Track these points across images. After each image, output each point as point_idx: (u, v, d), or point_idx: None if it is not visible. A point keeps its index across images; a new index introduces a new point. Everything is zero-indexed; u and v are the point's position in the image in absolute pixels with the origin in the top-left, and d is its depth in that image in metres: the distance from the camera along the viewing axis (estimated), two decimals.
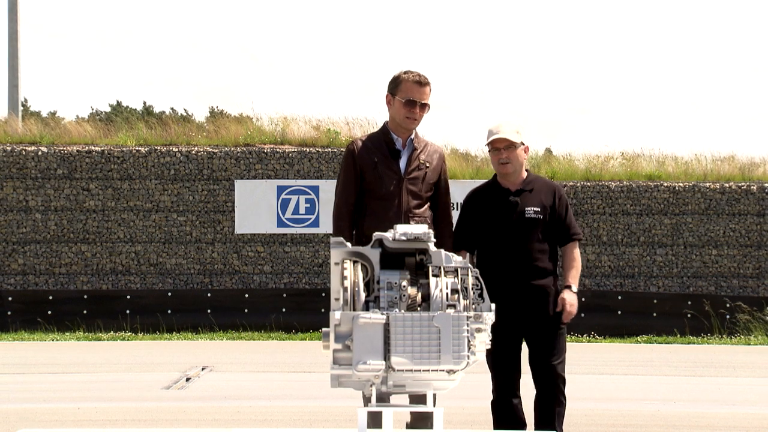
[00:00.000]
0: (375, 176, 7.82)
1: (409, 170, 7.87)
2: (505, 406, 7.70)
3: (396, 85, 7.87)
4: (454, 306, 5.39)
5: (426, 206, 7.93)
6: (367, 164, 7.84)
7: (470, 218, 7.92)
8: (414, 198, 7.84)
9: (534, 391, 7.85)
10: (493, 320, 5.54)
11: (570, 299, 7.70)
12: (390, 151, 7.88)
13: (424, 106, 7.86)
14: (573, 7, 75.17)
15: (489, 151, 7.91)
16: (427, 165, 7.92)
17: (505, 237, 7.75)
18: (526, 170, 8.01)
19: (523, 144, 7.88)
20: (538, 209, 7.81)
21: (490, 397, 7.81)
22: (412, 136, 7.95)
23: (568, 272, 7.85)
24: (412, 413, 7.49)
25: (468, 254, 7.80)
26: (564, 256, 7.95)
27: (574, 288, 7.77)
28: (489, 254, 7.79)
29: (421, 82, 7.83)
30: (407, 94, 7.82)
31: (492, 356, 7.56)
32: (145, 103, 42.32)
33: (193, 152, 22.87)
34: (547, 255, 7.80)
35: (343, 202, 7.86)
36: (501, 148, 7.79)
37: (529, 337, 7.76)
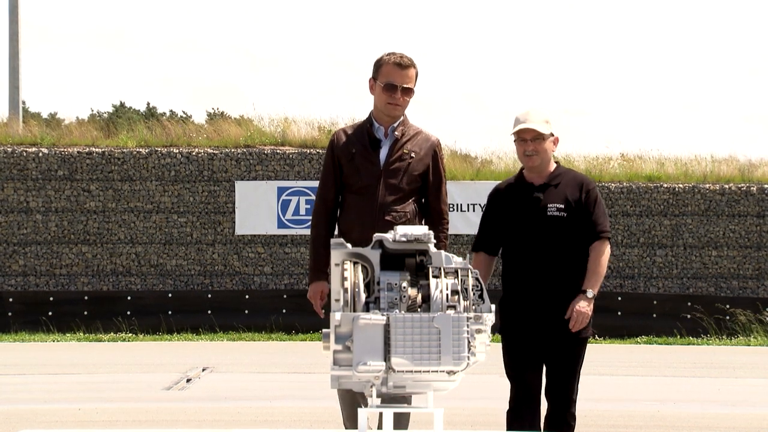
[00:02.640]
0: (352, 169, 7.19)
1: (389, 161, 7.17)
2: (521, 420, 7.09)
3: (377, 68, 7.19)
4: (454, 307, 5.39)
5: (409, 201, 7.20)
6: (345, 156, 7.21)
7: (493, 216, 7.21)
8: (393, 192, 7.14)
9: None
10: (493, 321, 5.52)
11: (581, 306, 6.93)
12: (370, 141, 7.21)
13: (407, 91, 7.16)
14: (572, 7, 75.16)
15: (515, 141, 7.16)
16: (413, 155, 7.19)
17: (526, 237, 7.06)
18: (556, 163, 7.28)
19: (553, 135, 7.17)
20: (562, 206, 7.06)
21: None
22: (396, 124, 7.24)
23: (588, 275, 7.03)
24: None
25: (484, 257, 7.17)
26: (589, 257, 7.11)
27: (590, 294, 6.98)
28: (511, 257, 7.15)
29: (403, 65, 7.13)
30: (387, 77, 7.14)
31: (511, 368, 7.10)
32: (148, 104, 42.36)
33: (194, 153, 22.89)
34: (572, 258, 7.05)
35: (321, 198, 7.30)
36: (528, 139, 7.09)
37: (546, 351, 7.09)
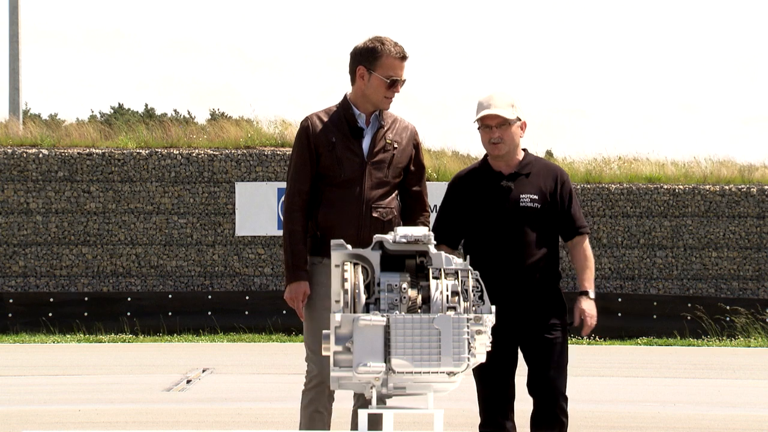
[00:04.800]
0: (332, 159, 6.63)
1: (373, 152, 6.67)
2: (495, 425, 6.67)
3: (375, 58, 6.62)
4: (454, 308, 5.39)
5: (393, 195, 6.74)
6: (324, 145, 6.64)
7: (455, 207, 6.75)
8: (379, 186, 6.67)
9: (530, 406, 6.81)
10: (494, 322, 5.50)
11: (589, 309, 6.61)
12: (351, 130, 6.67)
13: (403, 83, 6.71)
14: (571, 9, 75.20)
15: (479, 128, 6.70)
16: (395, 146, 6.71)
17: (496, 229, 6.62)
18: (524, 150, 6.79)
19: (520, 120, 6.68)
20: (536, 197, 6.62)
21: None
22: (377, 112, 6.74)
23: (581, 274, 6.67)
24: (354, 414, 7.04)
25: (445, 251, 6.45)
26: (573, 254, 6.77)
27: (592, 293, 6.66)
28: (476, 250, 6.66)
29: (405, 57, 6.68)
30: (390, 71, 6.64)
31: (479, 368, 6.22)
32: (146, 105, 42.38)
33: (194, 155, 22.90)
34: (545, 251, 6.64)
35: (296, 191, 6.66)
36: (492, 125, 6.63)
37: (524, 347, 6.68)
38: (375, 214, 6.66)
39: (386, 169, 6.69)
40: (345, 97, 6.78)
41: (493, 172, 6.72)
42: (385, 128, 6.73)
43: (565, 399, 6.70)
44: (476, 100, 6.79)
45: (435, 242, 6.74)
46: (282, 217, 6.76)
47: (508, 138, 6.64)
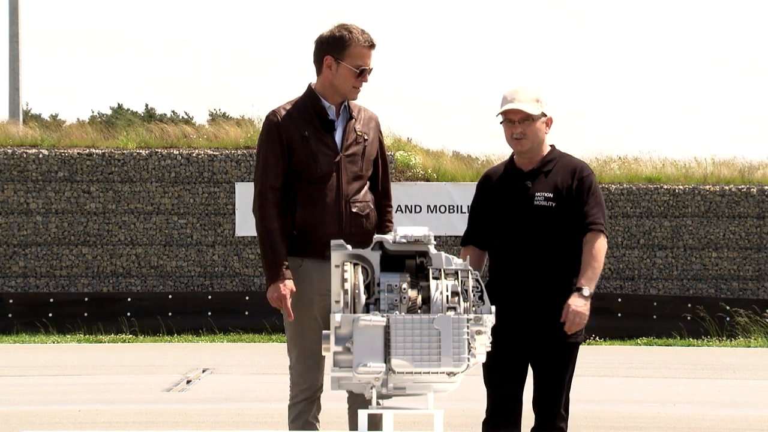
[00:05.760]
0: (307, 154, 6.35)
1: (346, 145, 6.42)
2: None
3: (343, 47, 6.33)
4: (454, 308, 5.39)
5: (366, 188, 6.49)
6: (296, 139, 6.36)
7: (481, 205, 6.55)
8: (355, 180, 6.43)
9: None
10: (494, 323, 5.49)
11: (576, 306, 6.28)
12: (322, 123, 6.40)
13: (370, 72, 6.44)
14: (571, 9, 75.24)
15: (501, 122, 6.46)
16: (365, 137, 6.45)
17: (512, 229, 6.41)
18: (551, 146, 6.55)
19: (545, 116, 6.45)
20: (551, 195, 6.37)
21: None
22: (345, 102, 6.46)
23: (581, 271, 6.34)
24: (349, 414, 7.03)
25: (473, 252, 6.52)
26: (583, 250, 6.39)
27: (586, 291, 6.33)
28: (496, 250, 6.51)
29: (373, 45, 6.39)
30: (359, 60, 6.36)
31: (491, 373, 6.46)
32: (146, 105, 42.39)
33: (194, 155, 22.90)
34: (562, 252, 6.39)
35: (268, 187, 6.41)
36: (515, 120, 6.39)
37: (534, 357, 6.48)
38: (354, 209, 6.44)
39: (360, 162, 6.46)
40: (310, 87, 6.50)
41: (514, 169, 6.51)
42: (354, 119, 6.48)
43: (563, 418, 6.50)
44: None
45: (463, 244, 6.72)
46: (255, 217, 6.51)
47: (531, 134, 6.41)
